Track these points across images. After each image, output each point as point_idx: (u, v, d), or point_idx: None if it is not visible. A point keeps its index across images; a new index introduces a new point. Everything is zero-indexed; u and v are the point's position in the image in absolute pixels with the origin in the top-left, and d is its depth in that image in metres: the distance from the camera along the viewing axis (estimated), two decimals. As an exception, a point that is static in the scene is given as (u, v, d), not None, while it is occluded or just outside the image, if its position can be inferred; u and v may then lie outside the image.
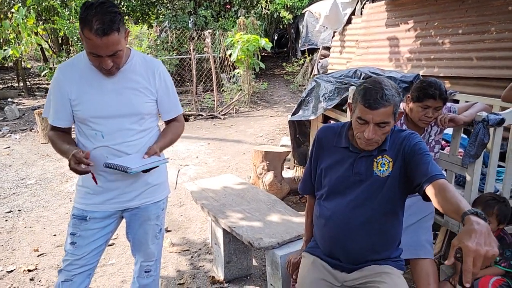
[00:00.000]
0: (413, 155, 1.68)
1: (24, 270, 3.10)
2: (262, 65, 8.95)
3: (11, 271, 3.11)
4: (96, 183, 1.94)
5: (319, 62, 9.61)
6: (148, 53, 8.92)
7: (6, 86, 13.10)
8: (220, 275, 2.95)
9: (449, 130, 2.96)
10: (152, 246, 2.18)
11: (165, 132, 2.10)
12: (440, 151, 2.69)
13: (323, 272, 1.86)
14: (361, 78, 4.09)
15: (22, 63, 11.58)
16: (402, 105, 2.61)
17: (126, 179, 1.96)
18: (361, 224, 1.75)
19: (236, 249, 2.90)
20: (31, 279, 2.99)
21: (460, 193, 2.61)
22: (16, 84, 12.83)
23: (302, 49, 11.83)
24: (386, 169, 1.72)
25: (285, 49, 16.26)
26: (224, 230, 2.76)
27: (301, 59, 11.72)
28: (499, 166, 2.81)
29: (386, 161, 1.73)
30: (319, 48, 10.25)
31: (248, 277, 2.96)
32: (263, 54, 16.21)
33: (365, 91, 1.63)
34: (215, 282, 2.90)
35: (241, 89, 9.39)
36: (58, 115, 1.91)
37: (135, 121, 1.95)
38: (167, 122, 2.16)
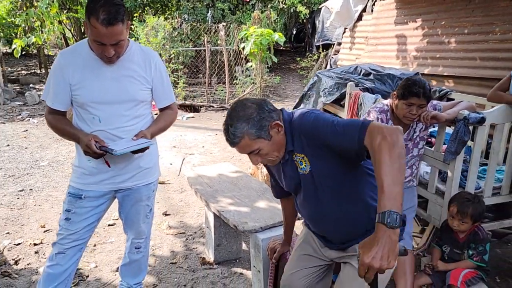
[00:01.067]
0: (320, 136, 1.56)
1: (30, 243, 3.32)
2: (275, 59, 9.03)
3: (19, 244, 3.33)
4: (109, 166, 2.07)
5: (333, 57, 9.63)
6: (163, 44, 9.11)
7: (29, 72, 13.54)
8: (210, 256, 3.11)
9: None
10: (142, 225, 2.34)
11: (158, 119, 2.24)
12: (425, 147, 2.77)
13: (313, 247, 1.93)
14: (361, 74, 4.17)
15: (45, 50, 11.95)
16: (389, 101, 2.70)
17: (120, 162, 2.10)
18: (327, 218, 1.75)
19: (226, 233, 3.04)
20: (36, 252, 3.21)
21: (441, 188, 2.71)
22: (39, 71, 13.24)
23: (317, 44, 11.87)
24: (305, 166, 1.65)
25: (303, 43, 16.28)
26: (215, 214, 2.90)
27: (315, 54, 11.76)
28: (485, 164, 2.88)
29: (300, 158, 1.65)
30: (334, 44, 10.27)
31: (237, 260, 3.11)
32: (281, 48, 16.28)
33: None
34: (205, 263, 3.06)
35: (253, 82, 9.51)
36: (58, 98, 2.04)
37: (131, 107, 2.08)
38: (161, 110, 2.29)
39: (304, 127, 1.60)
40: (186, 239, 3.43)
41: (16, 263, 3.07)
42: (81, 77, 1.99)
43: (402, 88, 2.51)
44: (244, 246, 3.24)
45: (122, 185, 2.18)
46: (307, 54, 12.88)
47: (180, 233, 3.52)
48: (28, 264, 3.05)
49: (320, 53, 11.19)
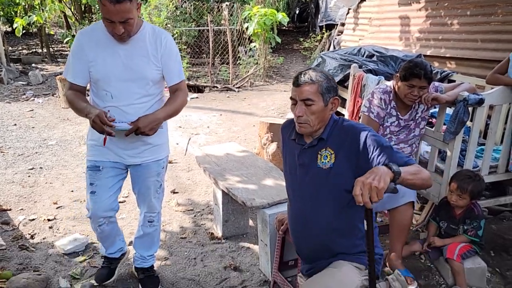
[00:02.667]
0: (370, 150, 1.69)
1: (44, 219, 3.46)
2: (278, 40, 9.05)
3: (33, 219, 3.47)
4: (104, 145, 2.21)
5: (336, 38, 9.61)
6: (166, 24, 9.10)
7: (30, 51, 13.52)
8: (218, 232, 3.25)
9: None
10: (153, 200, 2.48)
11: (169, 101, 2.30)
12: (426, 127, 2.87)
13: None
14: (365, 56, 4.24)
15: (46, 29, 11.91)
16: (392, 83, 2.79)
17: (127, 139, 2.21)
18: (314, 222, 1.83)
19: (234, 210, 3.18)
20: (50, 227, 3.35)
21: (441, 167, 2.82)
22: (40, 50, 13.21)
23: (320, 24, 11.84)
24: (328, 161, 1.77)
25: (306, 23, 16.17)
26: (223, 191, 3.03)
27: (319, 35, 11.72)
28: (483, 144, 2.99)
29: (328, 153, 1.78)
30: (337, 24, 10.24)
31: (244, 235, 3.25)
32: (284, 28, 16.17)
33: (296, 74, 1.81)
34: (214, 238, 3.20)
35: (257, 63, 9.54)
36: (77, 74, 2.18)
37: (141, 86, 2.20)
38: (172, 91, 2.34)
39: (357, 129, 1.76)
40: (195, 216, 3.56)
41: (32, 237, 3.21)
42: (96, 55, 2.13)
43: (404, 70, 2.61)
44: (250, 222, 3.38)
45: (131, 160, 2.32)
46: (310, 34, 12.82)
47: (189, 210, 3.66)
48: (44, 238, 3.19)
49: (323, 33, 11.16)
